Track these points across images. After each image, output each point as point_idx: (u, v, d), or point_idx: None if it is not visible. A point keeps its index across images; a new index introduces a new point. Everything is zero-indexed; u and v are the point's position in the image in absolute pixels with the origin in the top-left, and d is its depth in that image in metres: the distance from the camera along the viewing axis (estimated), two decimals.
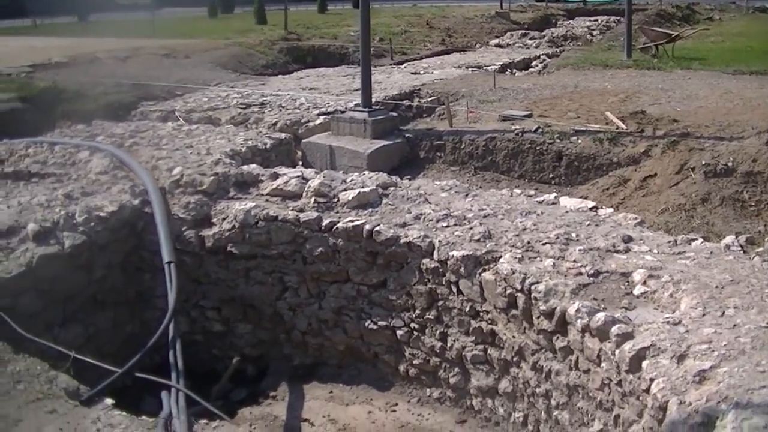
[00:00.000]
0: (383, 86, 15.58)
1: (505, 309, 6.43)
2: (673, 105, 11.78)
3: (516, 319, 6.35)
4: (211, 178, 8.36)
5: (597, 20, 34.47)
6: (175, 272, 7.28)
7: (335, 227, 7.51)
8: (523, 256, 6.54)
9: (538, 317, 5.98)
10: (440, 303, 7.11)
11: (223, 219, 8.02)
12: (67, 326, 7.50)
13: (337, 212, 7.77)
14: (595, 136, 10.05)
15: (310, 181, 8.09)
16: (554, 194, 8.12)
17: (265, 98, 14.20)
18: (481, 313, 6.78)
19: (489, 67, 19.40)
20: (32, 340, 6.65)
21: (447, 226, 7.30)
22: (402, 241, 7.17)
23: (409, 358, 7.49)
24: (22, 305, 6.95)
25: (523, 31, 29.11)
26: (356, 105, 12.57)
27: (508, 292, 6.32)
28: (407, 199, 7.93)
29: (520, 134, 10.38)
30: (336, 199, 7.91)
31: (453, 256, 6.77)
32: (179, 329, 7.08)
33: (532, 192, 8.40)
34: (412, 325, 7.39)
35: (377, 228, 7.30)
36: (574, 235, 6.84)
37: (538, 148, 10.12)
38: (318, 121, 11.93)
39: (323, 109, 12.65)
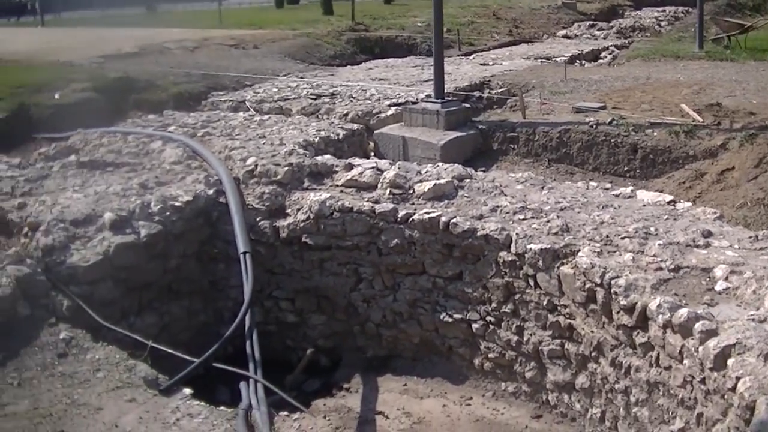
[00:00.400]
0: (453, 77, 15.38)
1: (583, 303, 6.27)
2: (748, 97, 11.37)
3: (595, 314, 6.19)
4: (286, 168, 8.33)
5: (665, 10, 33.60)
6: (250, 263, 7.26)
7: (411, 219, 7.41)
8: (602, 250, 6.38)
9: (618, 312, 5.82)
10: (517, 296, 6.97)
11: (298, 209, 7.99)
12: (143, 315, 7.56)
13: (413, 204, 7.66)
14: (670, 128, 9.75)
15: (385, 173, 7.99)
16: (630, 187, 7.90)
17: (335, 89, 14.15)
18: (558, 307, 6.63)
19: (558, 59, 19.07)
20: (110, 329, 6.73)
21: (524, 219, 7.14)
22: (479, 233, 7.03)
23: (484, 351, 7.37)
24: (99, 293, 7.02)
25: (591, 22, 28.56)
26: (428, 96, 12.44)
27: (587, 286, 6.16)
28: (483, 191, 7.79)
29: (594, 126, 10.13)
30: (411, 191, 7.80)
31: (531, 249, 6.62)
32: (255, 320, 7.05)
33: (608, 185, 8.18)
34: (488, 318, 7.26)
35: (454, 220, 7.18)
36: (652, 229, 6.65)
37: (612, 140, 9.87)
38: (389, 112, 11.83)
39: (394, 100, 12.53)
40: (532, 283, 6.78)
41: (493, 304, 7.17)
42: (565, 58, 18.96)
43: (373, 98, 12.97)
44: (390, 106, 12.18)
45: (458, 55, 21.93)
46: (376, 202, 7.70)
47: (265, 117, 11.37)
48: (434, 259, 7.44)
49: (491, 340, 7.29)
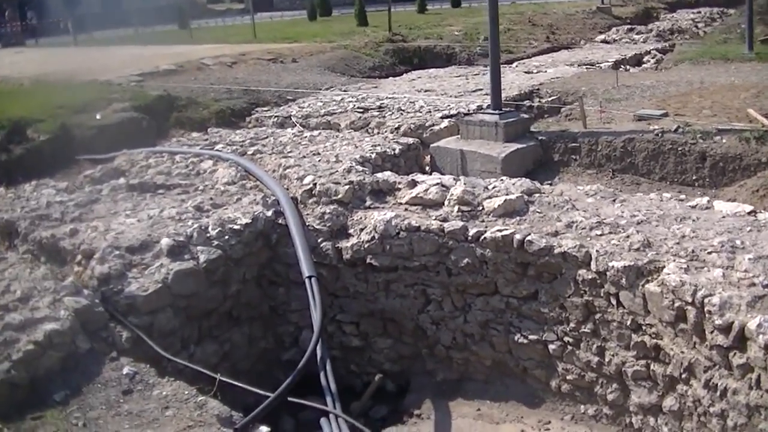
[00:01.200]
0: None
1: (672, 323, 5.92)
2: None
3: (685, 334, 5.83)
4: (346, 186, 8.01)
5: (700, 12, 32.93)
6: (317, 287, 6.93)
7: (482, 237, 7.05)
8: (688, 266, 6.01)
9: (712, 332, 5.47)
10: (598, 316, 6.60)
11: (361, 230, 7.67)
12: (203, 344, 7.28)
13: (483, 221, 7.31)
14: (740, 134, 9.30)
15: (451, 189, 7.65)
16: (706, 198, 7.48)
17: (381, 101, 13.82)
18: (644, 327, 6.26)
19: (602, 64, 18.62)
20: (171, 360, 6.44)
21: (601, 235, 6.77)
22: (556, 251, 6.67)
23: (562, 373, 7.00)
24: (159, 323, 6.75)
25: (629, 26, 28.00)
26: (480, 107, 12.11)
27: (676, 305, 5.82)
28: (554, 206, 7.42)
29: (660, 135, 9.70)
30: (480, 207, 7.45)
31: (613, 266, 6.26)
32: (328, 349, 6.73)
33: (682, 196, 7.78)
34: (566, 338, 6.90)
35: (529, 237, 6.82)
36: (738, 242, 6.25)
37: (679, 148, 9.42)
38: (443, 125, 11.47)
39: (445, 112, 12.17)
40: (614, 301, 6.42)
41: (572, 324, 6.80)
42: (609, 64, 18.52)
43: (423, 110, 12.62)
44: (442, 118, 11.82)
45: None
46: (445, 220, 7.36)
47: (315, 133, 11.06)
48: (507, 279, 7.08)
49: (569, 362, 6.93)
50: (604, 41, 25.64)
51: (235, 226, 7.61)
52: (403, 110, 12.78)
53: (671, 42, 23.98)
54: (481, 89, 14.71)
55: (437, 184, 7.85)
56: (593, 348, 6.71)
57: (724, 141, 9.23)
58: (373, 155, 9.42)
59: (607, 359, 6.62)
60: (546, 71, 17.34)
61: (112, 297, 6.67)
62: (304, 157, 9.52)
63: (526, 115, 11.01)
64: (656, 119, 10.28)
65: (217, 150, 10.55)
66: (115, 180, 9.60)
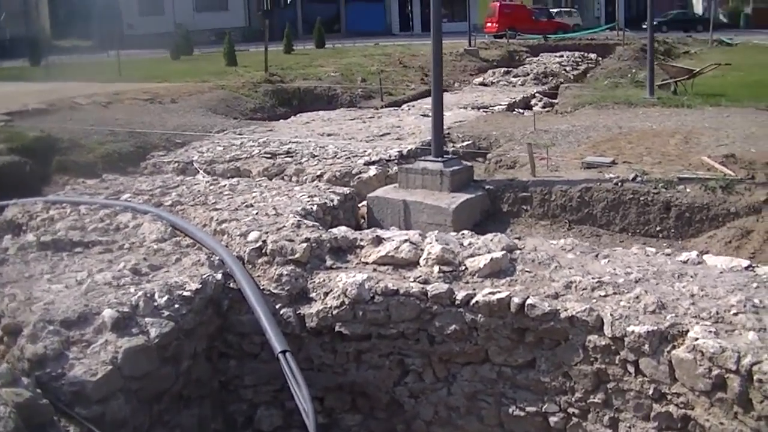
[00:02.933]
0: (405, 131, 14.52)
1: (707, 392, 5.45)
2: (743, 146, 10.95)
3: (724, 403, 5.40)
4: (303, 245, 7.15)
5: (562, 56, 33.90)
6: (295, 363, 6.01)
7: (473, 301, 6.37)
8: (716, 330, 5.59)
9: (761, 402, 5.08)
10: (611, 385, 6.05)
11: (326, 293, 6.82)
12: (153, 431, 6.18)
13: (468, 282, 6.65)
14: (704, 183, 9.13)
15: (426, 247, 6.95)
16: (695, 252, 7.15)
17: (286, 146, 12.94)
18: (668, 396, 5.76)
19: (495, 107, 18.57)
20: None
21: (606, 296, 6.26)
22: (562, 315, 6.09)
23: None
24: (111, 413, 5.63)
25: (505, 69, 28.41)
26: (399, 153, 11.51)
27: (714, 372, 5.38)
28: (540, 264, 6.86)
29: (619, 184, 9.39)
30: (463, 267, 6.78)
31: (633, 332, 5.76)
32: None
33: (668, 250, 7.42)
34: (571, 410, 6.31)
35: (529, 301, 6.20)
36: (757, 300, 5.93)
37: (641, 198, 9.13)
38: (371, 172, 10.75)
39: (366, 158, 11.47)
40: (631, 369, 5.89)
41: (578, 394, 6.22)
42: (503, 107, 18.48)
43: (339, 156, 11.87)
44: (366, 165, 11.12)
45: (381, 106, 21.14)
46: (426, 282, 6.63)
47: (234, 181, 10.09)
48: (501, 346, 6.43)
49: None
50: (482, 84, 25.77)
51: (185, 293, 6.59)
52: (317, 156, 11.98)
53: (549, 85, 24.36)
54: (388, 133, 14.18)
55: (406, 241, 7.12)
56: (604, 420, 6.15)
57: (688, 190, 9.02)
58: (314, 207, 8.58)
59: (621, 431, 6.06)
60: (445, 114, 16.95)
61: (51, 383, 5.53)
62: (237, 209, 8.56)
63: (468, 163, 10.49)
64: (606, 167, 10.01)
65: (125, 200, 9.40)
66: (16, 236, 8.33)
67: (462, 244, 7.12)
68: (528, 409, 6.43)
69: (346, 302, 6.64)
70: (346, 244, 7.33)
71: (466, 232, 7.76)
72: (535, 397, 6.41)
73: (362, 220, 9.89)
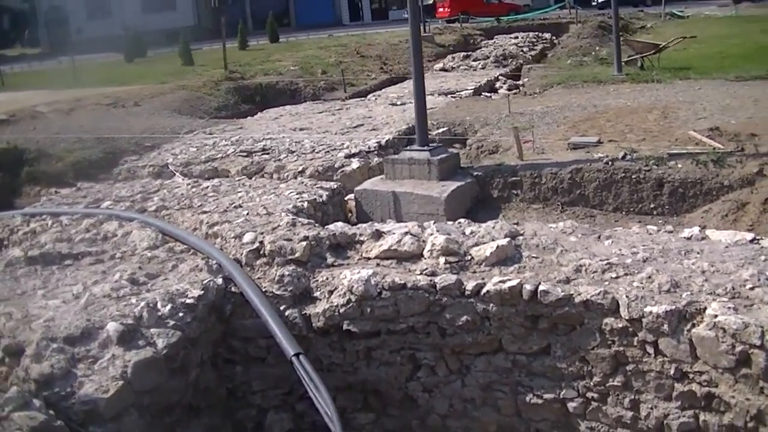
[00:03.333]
0: (378, 121, 14.36)
1: (731, 368, 5.42)
2: (722, 118, 10.99)
3: (749, 379, 5.36)
4: (303, 243, 6.99)
5: (517, 37, 33.84)
6: (310, 366, 5.86)
7: (483, 290, 6.27)
8: (735, 306, 5.56)
9: None
10: (630, 367, 5.99)
11: (330, 292, 6.67)
12: None
13: (475, 272, 6.54)
14: (694, 158, 9.12)
15: (430, 239, 6.83)
16: (697, 228, 7.14)
17: (260, 143, 12.72)
18: (691, 375, 5.72)
19: (462, 93, 18.48)
20: None
21: (617, 278, 6.20)
22: (576, 300, 6.01)
23: None
24: (125, 429, 5.45)
25: (464, 53, 28.32)
26: (378, 143, 11.35)
27: (738, 349, 5.35)
28: (545, 249, 6.79)
29: (610, 163, 9.34)
30: (468, 257, 6.68)
31: (651, 312, 5.70)
32: None
33: (669, 227, 7.40)
34: (589, 394, 6.24)
35: (542, 287, 6.12)
36: None
37: (633, 176, 9.09)
38: (354, 165, 10.59)
39: (346, 151, 11.30)
40: (651, 350, 5.84)
41: (596, 378, 6.16)
42: (470, 92, 18.40)
43: (318, 151, 11.69)
44: (347, 158, 10.95)
45: (346, 98, 20.96)
46: (433, 274, 6.51)
47: (215, 182, 9.88)
48: (514, 334, 6.34)
49: (594, 419, 6.28)
50: (443, 69, 25.65)
51: (188, 300, 6.41)
52: (295, 152, 11.78)
53: (510, 67, 24.32)
54: (361, 124, 14.01)
55: (406, 233, 7.00)
56: (625, 402, 6.09)
57: (679, 166, 9.01)
58: (305, 204, 8.42)
59: (643, 413, 6.02)
60: (412, 102, 16.81)
61: (61, 403, 5.33)
62: (226, 211, 8.37)
63: (455, 151, 10.37)
64: (593, 146, 9.96)
65: (107, 208, 9.16)
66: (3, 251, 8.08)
67: (464, 233, 7.02)
68: (545, 396, 6.35)
69: (353, 299, 6.51)
70: (345, 240, 7.19)
71: (462, 220, 7.66)
72: (552, 383, 6.34)
73: (350, 214, 9.73)
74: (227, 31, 27.87)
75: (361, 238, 7.15)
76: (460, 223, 7.46)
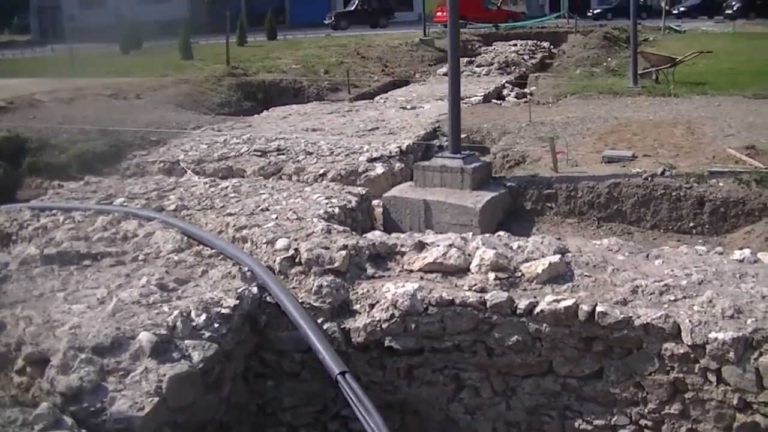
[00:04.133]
0: (393, 125, 14.01)
1: None
2: (751, 136, 10.73)
3: None
4: (342, 252, 6.63)
5: (516, 44, 33.65)
6: (357, 385, 5.50)
7: (536, 310, 5.95)
8: None
9: None
10: (689, 395, 5.70)
11: (371, 305, 6.33)
12: None
13: (525, 289, 6.23)
14: (737, 177, 8.85)
15: (478, 252, 6.50)
16: (748, 251, 6.86)
17: (274, 143, 12.34)
18: (755, 405, 5.45)
19: (471, 99, 18.18)
20: None
21: (675, 300, 5.92)
22: (636, 323, 5.71)
23: None
24: None
25: (468, 59, 28.02)
26: (400, 149, 11.01)
27: None
28: (595, 267, 6.49)
29: (649, 179, 9.05)
30: (519, 273, 6.36)
31: (716, 339, 5.43)
32: None
33: (719, 248, 7.13)
34: (643, 421, 5.95)
35: (600, 309, 5.81)
36: None
37: (674, 193, 8.81)
38: (378, 170, 10.24)
39: (367, 155, 10.94)
40: (713, 378, 5.55)
41: (651, 405, 5.87)
42: (479, 98, 18.11)
43: (334, 153, 11.33)
44: (370, 162, 10.61)
45: (350, 99, 20.62)
46: (483, 290, 6.18)
47: (236, 182, 9.50)
48: (566, 356, 6.03)
49: None
50: (446, 74, 25.25)
51: (223, 310, 6.03)
52: (312, 153, 11.42)
53: (513, 74, 24.06)
54: (377, 128, 13.67)
55: (451, 245, 6.67)
56: (681, 431, 5.80)
57: (721, 184, 8.74)
58: (336, 210, 8.06)
59: None
60: (423, 107, 16.55)
61: (90, 419, 4.95)
62: (253, 214, 8.00)
63: (488, 160, 10.05)
64: (628, 161, 9.68)
65: (122, 205, 8.77)
66: (5, 247, 7.68)
67: (511, 248, 6.70)
68: (595, 422, 6.05)
69: (397, 314, 6.17)
70: (385, 251, 6.85)
71: (502, 233, 7.36)
72: (603, 409, 6.03)
73: (375, 222, 9.39)
74: (219, 26, 27.45)
75: (403, 249, 6.81)
76: (500, 236, 7.15)
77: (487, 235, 7.09)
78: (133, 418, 4.92)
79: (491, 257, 6.36)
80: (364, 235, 7.13)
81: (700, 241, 8.34)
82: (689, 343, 5.55)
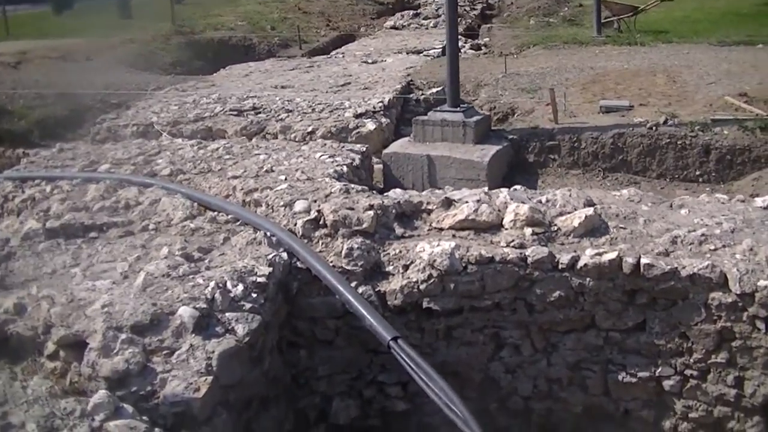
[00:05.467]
0: (363, 79, 13.70)
1: None
2: (732, 83, 10.77)
3: None
4: (369, 212, 6.41)
5: None
6: (412, 349, 5.31)
7: (579, 264, 5.85)
8: None
9: None
10: (736, 343, 5.69)
11: (405, 266, 6.14)
12: None
13: (563, 244, 6.12)
14: (741, 125, 8.85)
15: (512, 207, 6.35)
16: None
17: (246, 101, 11.93)
18: None
19: (430, 51, 17.91)
20: None
21: (715, 249, 5.90)
22: (683, 274, 5.65)
23: (682, 411, 6.02)
24: None
25: (414, 11, 27.61)
26: (381, 103, 10.74)
27: None
28: (626, 219, 6.41)
29: (654, 128, 8.98)
30: (554, 228, 6.24)
31: (765, 286, 5.40)
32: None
33: (740, 196, 7.12)
34: (688, 371, 5.93)
35: (645, 261, 5.74)
36: None
37: (679, 142, 8.78)
38: (370, 126, 9.96)
39: (351, 111, 10.65)
40: (761, 325, 5.55)
41: (696, 355, 5.85)
42: (438, 50, 17.85)
43: (315, 110, 11.00)
44: (356, 117, 10.32)
45: (304, 54, 20.17)
46: (522, 246, 6.05)
47: (226, 143, 9.13)
48: (609, 310, 5.96)
49: (692, 397, 5.98)
50: (394, 27, 24.96)
51: (258, 279, 5.77)
52: (292, 111, 11.08)
53: (462, 26, 23.70)
54: (348, 83, 13.36)
55: (478, 201, 6.51)
56: (728, 379, 5.82)
57: (726, 132, 8.72)
58: (344, 168, 7.81)
59: (749, 390, 5.75)
60: (386, 60, 16.23)
61: (140, 404, 4.67)
62: (258, 175, 7.70)
63: (487, 113, 9.85)
64: (626, 110, 9.60)
65: (103, 172, 8.37)
66: (7, 222, 7.25)
67: (541, 202, 6.56)
68: (639, 374, 6.02)
69: (434, 275, 6.00)
70: (410, 209, 6.65)
71: (519, 187, 7.22)
72: (646, 361, 6.00)
73: (375, 180, 9.15)
74: None
75: (429, 207, 6.63)
76: (525, 190, 7.01)
77: (513, 188, 6.93)
78: (190, 401, 4.67)
79: (526, 212, 6.22)
80: (385, 194, 6.91)
81: (708, 189, 8.36)
82: (738, 292, 5.52)
